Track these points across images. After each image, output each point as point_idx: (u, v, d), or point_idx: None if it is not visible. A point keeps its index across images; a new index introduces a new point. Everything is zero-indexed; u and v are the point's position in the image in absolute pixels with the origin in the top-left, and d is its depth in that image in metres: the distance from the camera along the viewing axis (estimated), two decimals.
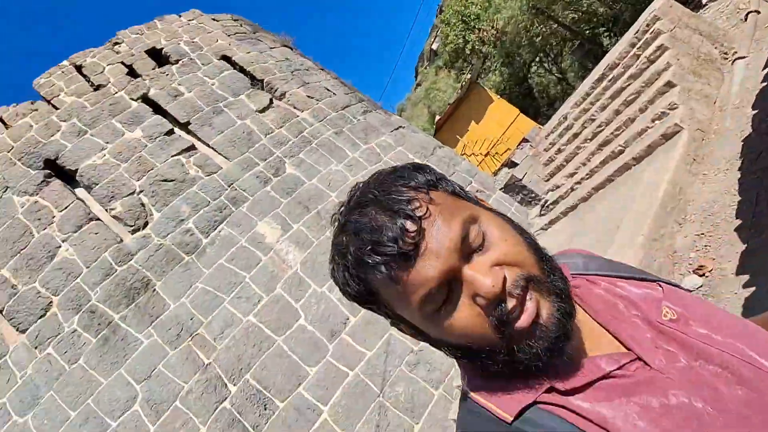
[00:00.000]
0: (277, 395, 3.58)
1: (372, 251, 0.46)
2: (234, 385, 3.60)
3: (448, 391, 3.66)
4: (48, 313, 3.89)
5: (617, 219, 3.60)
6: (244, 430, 3.44)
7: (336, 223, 0.53)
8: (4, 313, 3.95)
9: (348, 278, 0.50)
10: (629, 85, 4.66)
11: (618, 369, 0.49)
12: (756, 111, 3.55)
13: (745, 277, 2.59)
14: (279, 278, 4.10)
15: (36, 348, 3.77)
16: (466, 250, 0.47)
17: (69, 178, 4.62)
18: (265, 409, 3.53)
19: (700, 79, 4.17)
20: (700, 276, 2.90)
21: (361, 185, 0.53)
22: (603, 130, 4.81)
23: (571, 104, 5.97)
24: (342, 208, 0.53)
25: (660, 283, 0.61)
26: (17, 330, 3.87)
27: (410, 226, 0.46)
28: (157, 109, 5.06)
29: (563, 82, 14.11)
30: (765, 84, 3.62)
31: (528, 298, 0.47)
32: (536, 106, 14.51)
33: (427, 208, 0.47)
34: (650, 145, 3.86)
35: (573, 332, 0.49)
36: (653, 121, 3.98)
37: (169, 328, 3.80)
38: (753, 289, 2.49)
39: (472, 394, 0.54)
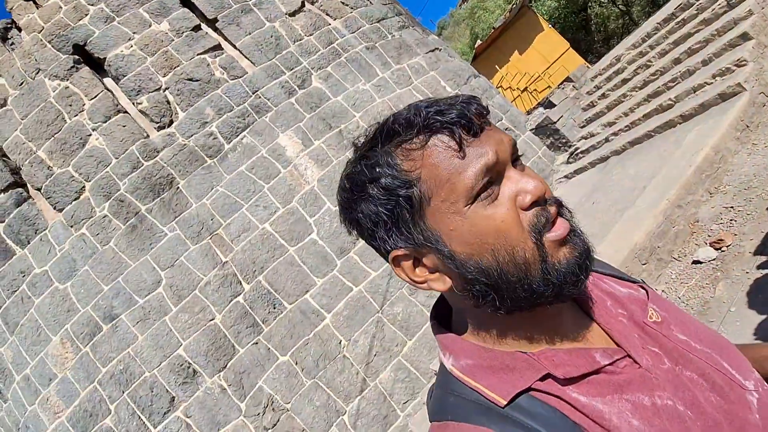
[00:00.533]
0: (286, 298, 3.90)
1: (440, 114, 0.45)
2: (248, 283, 3.92)
3: None
4: (81, 197, 4.16)
5: (645, 179, 3.46)
6: (254, 322, 3.81)
7: (381, 122, 0.50)
8: (42, 191, 4.23)
9: (388, 156, 0.47)
10: (698, 31, 4.15)
11: (610, 364, 0.49)
12: None
13: (762, 258, 2.54)
14: (296, 192, 4.21)
15: (72, 227, 4.10)
16: (513, 158, 0.48)
17: (97, 66, 4.60)
18: (274, 308, 3.87)
19: None
20: (716, 249, 2.85)
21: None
22: (656, 79, 4.41)
23: (627, 45, 5.41)
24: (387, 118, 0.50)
25: (641, 285, 0.61)
26: (55, 208, 4.19)
27: (479, 110, 0.47)
28: (184, 1, 4.81)
29: (626, 17, 12.58)
30: None
31: (560, 216, 0.47)
32: (590, 41, 13.13)
33: (487, 110, 0.49)
34: (703, 103, 3.55)
35: (589, 272, 0.48)
36: (714, 77, 3.61)
37: (191, 224, 4.04)
38: (766, 271, 2.46)
39: (459, 374, 0.50)
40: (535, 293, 0.46)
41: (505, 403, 0.46)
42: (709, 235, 2.98)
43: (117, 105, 4.38)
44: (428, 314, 3.28)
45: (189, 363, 3.68)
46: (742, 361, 0.54)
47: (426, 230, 0.47)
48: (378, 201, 0.47)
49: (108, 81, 4.58)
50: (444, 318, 0.58)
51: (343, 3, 5.14)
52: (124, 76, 4.47)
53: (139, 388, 3.63)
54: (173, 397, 3.60)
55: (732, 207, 3.04)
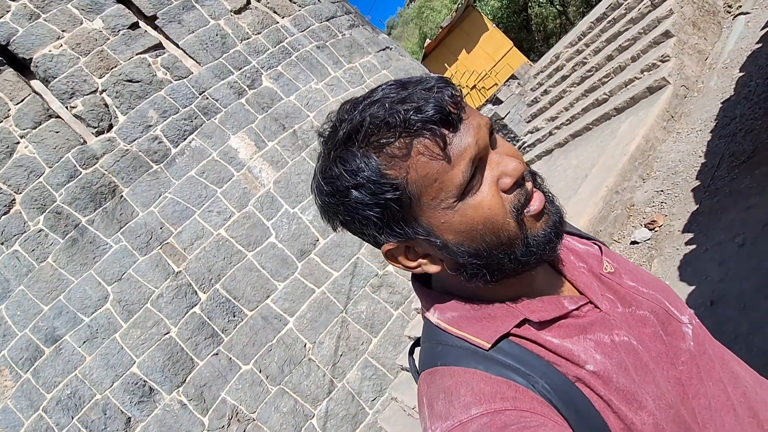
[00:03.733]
0: (246, 305, 3.79)
1: (419, 112, 0.44)
2: (204, 293, 3.77)
3: (406, 312, 3.97)
4: (12, 210, 3.81)
5: (587, 169, 3.70)
6: (214, 333, 3.68)
7: (346, 113, 0.48)
8: None
9: (371, 161, 0.45)
10: (627, 30, 4.49)
11: (576, 309, 0.56)
12: (742, 74, 3.54)
13: (689, 236, 2.80)
14: (251, 195, 4.10)
15: (2, 244, 3.74)
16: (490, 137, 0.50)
17: (23, 68, 4.23)
18: (234, 316, 3.75)
19: (698, 32, 4.06)
20: (650, 230, 3.11)
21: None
22: (592, 75, 4.72)
23: (565, 43, 5.74)
24: (348, 104, 0.49)
25: (594, 241, 0.70)
26: None
27: (454, 95, 0.46)
28: None
29: (563, 17, 13.33)
30: (759, 45, 3.57)
31: (535, 188, 0.51)
32: (531, 40, 13.79)
33: (461, 93, 0.49)
34: (633, 97, 3.85)
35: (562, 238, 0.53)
36: (642, 72, 3.92)
37: (139, 234, 3.82)
38: (693, 247, 2.71)
39: (446, 326, 0.54)
40: (521, 263, 0.50)
41: (489, 346, 0.50)
42: (643, 218, 3.24)
43: (48, 109, 4.05)
44: (392, 311, 3.31)
45: (144, 381, 3.49)
46: (678, 299, 0.65)
47: (417, 225, 0.49)
48: (365, 205, 0.47)
49: (36, 83, 4.22)
50: (424, 278, 0.62)
51: (290, 0, 5.05)
52: (55, 78, 4.13)
53: (90, 412, 3.39)
54: (129, 418, 3.40)
55: (662, 191, 3.32)
